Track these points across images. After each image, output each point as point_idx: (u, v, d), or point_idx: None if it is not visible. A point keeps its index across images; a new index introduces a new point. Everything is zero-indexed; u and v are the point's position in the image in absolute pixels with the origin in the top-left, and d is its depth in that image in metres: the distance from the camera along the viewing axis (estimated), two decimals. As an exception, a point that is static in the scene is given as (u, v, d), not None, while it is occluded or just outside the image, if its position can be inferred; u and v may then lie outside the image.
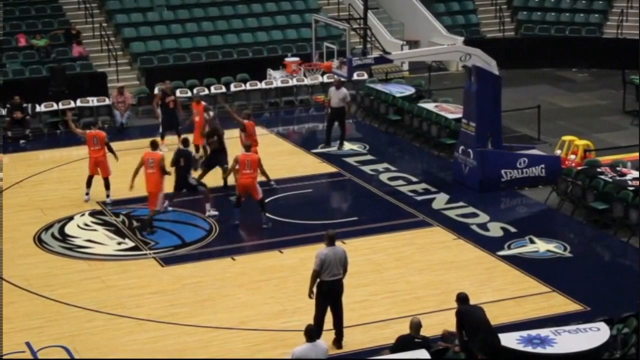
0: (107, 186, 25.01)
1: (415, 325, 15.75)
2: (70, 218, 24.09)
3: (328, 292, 17.29)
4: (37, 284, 20.38)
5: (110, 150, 25.37)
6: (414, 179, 26.69)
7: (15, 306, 19.32)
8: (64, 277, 20.79)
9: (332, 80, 34.74)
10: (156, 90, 32.40)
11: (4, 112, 31.60)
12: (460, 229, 23.07)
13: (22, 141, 30.85)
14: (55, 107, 32.45)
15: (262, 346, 17.77)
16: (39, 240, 22.78)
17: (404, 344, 15.67)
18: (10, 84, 33.17)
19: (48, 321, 18.78)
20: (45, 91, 32.87)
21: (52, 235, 23.10)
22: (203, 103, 28.25)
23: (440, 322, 17.91)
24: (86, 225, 23.59)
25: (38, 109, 32.14)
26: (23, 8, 37.54)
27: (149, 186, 23.30)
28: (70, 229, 23.50)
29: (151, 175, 23.15)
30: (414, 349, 15.47)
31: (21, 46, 35.90)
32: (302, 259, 21.09)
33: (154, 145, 23.77)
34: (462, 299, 15.83)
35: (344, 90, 29.37)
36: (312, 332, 15.20)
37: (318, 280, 17.28)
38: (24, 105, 31.57)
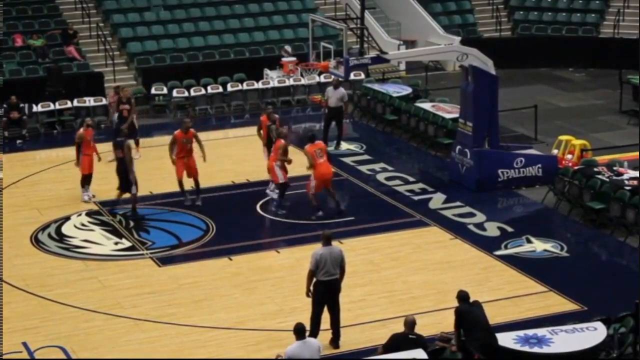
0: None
1: (410, 323, 15.72)
2: (67, 218, 24.07)
3: (324, 292, 17.29)
4: (34, 284, 20.37)
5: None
6: (411, 179, 26.70)
7: (12, 306, 19.32)
8: (60, 277, 20.78)
9: (329, 80, 34.79)
10: (112, 93, 32.34)
11: (0, 112, 31.59)
12: (457, 229, 23.07)
13: (18, 141, 30.85)
14: (52, 107, 32.44)
15: (258, 346, 17.77)
16: (35, 241, 22.76)
17: (398, 341, 15.65)
18: (6, 84, 33.13)
19: (45, 321, 18.77)
20: (41, 91, 32.88)
21: (49, 236, 23.09)
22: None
23: (437, 321, 17.97)
24: (83, 225, 23.58)
25: (35, 109, 32.12)
26: (20, 8, 37.49)
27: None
28: (67, 229, 23.49)
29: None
30: (409, 346, 15.45)
31: (18, 46, 35.87)
32: (299, 259, 21.09)
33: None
34: (462, 297, 15.83)
35: (342, 90, 29.38)
36: (301, 330, 15.17)
37: (314, 280, 17.26)
38: (21, 105, 31.55)
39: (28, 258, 21.84)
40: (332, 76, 31.02)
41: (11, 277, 20.69)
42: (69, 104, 32.64)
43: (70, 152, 28.85)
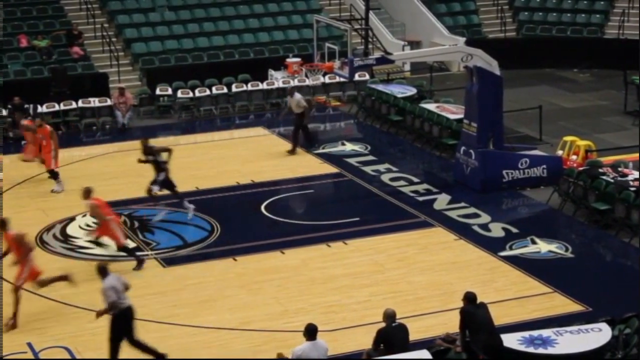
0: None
1: (390, 314, 15.84)
2: (72, 219, 24.09)
3: None
4: (39, 284, 20.35)
5: None
6: (416, 180, 26.69)
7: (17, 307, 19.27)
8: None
9: (334, 80, 34.88)
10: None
11: (5, 112, 31.62)
12: (462, 230, 23.06)
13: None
14: (56, 107, 32.49)
15: (263, 347, 17.75)
16: (40, 241, 22.77)
17: (385, 334, 15.77)
18: (11, 84, 33.18)
19: (50, 322, 18.79)
20: (46, 92, 32.91)
21: (54, 236, 23.11)
22: (48, 127, 27.12)
23: (442, 322, 17.95)
24: (88, 225, 23.56)
25: (39, 109, 32.15)
26: (24, 9, 37.55)
27: None
28: (71, 229, 23.51)
29: None
30: (397, 335, 15.68)
31: (22, 47, 35.90)
32: (304, 260, 21.13)
33: None
34: (468, 298, 15.85)
35: (297, 95, 29.40)
36: (312, 331, 15.21)
37: None
38: (25, 106, 31.59)
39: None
40: (292, 82, 31.23)
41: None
42: (74, 105, 32.66)
43: (74, 152, 29.00)
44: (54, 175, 26.40)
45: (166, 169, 23.73)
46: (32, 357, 17.44)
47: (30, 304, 19.49)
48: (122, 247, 21.33)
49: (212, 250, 22.25)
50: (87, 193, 21.18)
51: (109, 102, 32.99)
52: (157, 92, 34.42)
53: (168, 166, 23.73)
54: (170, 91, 34.37)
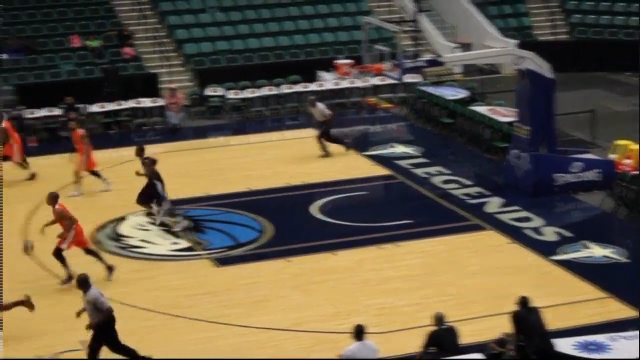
0: None
1: (439, 317, 15.91)
2: (124, 218, 24.23)
3: None
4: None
5: None
6: (467, 182, 26.58)
7: (72, 305, 19.34)
8: (118, 276, 20.86)
9: (384, 82, 34.81)
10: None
11: (58, 112, 31.88)
12: (514, 233, 22.91)
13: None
14: (108, 107, 32.73)
15: (314, 348, 17.73)
16: (94, 240, 22.90)
17: (435, 336, 15.81)
18: (63, 84, 33.49)
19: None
20: (98, 92, 33.17)
21: (107, 235, 23.26)
22: (79, 131, 26.98)
23: (494, 326, 17.75)
24: (140, 225, 23.71)
25: (91, 109, 32.42)
26: (77, 9, 37.85)
27: None
28: (124, 228, 23.67)
29: None
30: (447, 337, 15.73)
31: (75, 47, 36.18)
32: (357, 261, 21.14)
33: None
34: (522, 302, 15.80)
35: (319, 105, 29.41)
36: (361, 332, 15.24)
37: None
38: (77, 105, 31.85)
39: (85, 257, 21.92)
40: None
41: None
42: (126, 105, 32.89)
43: (125, 152, 29.11)
44: (96, 175, 26.55)
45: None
46: (86, 356, 17.49)
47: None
48: (57, 254, 20.40)
49: (264, 250, 22.29)
50: (52, 199, 20.66)
51: (160, 102, 33.17)
52: (207, 92, 34.57)
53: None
54: (221, 92, 34.48)
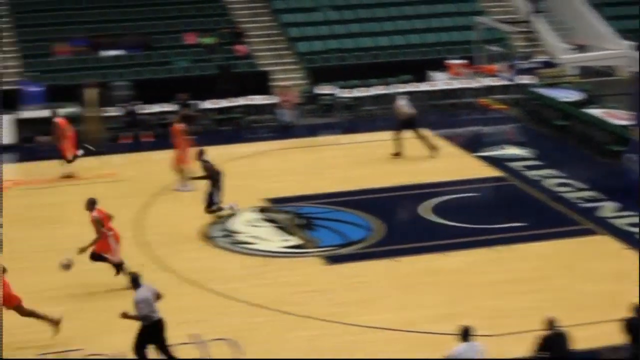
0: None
1: (550, 321, 15.69)
2: (236, 214, 24.38)
3: None
4: (203, 278, 20.68)
5: None
6: (580, 186, 26.14)
7: (183, 298, 19.57)
8: (228, 272, 21.07)
9: (497, 83, 34.48)
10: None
11: (172, 108, 32.29)
12: (630, 239, 22.44)
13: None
14: (221, 104, 33.05)
15: (424, 349, 17.58)
16: (205, 235, 23.12)
17: (547, 340, 15.60)
18: (178, 81, 33.92)
19: (212, 315, 19.01)
20: (211, 88, 33.51)
21: (219, 230, 23.45)
22: (177, 126, 27.26)
23: (608, 332, 17.45)
24: (252, 221, 23.85)
25: (203, 105, 32.77)
26: (192, 7, 38.28)
27: None
28: (236, 224, 23.81)
29: None
30: (558, 342, 15.53)
31: (189, 44, 36.59)
32: (468, 263, 20.97)
33: None
34: (636, 310, 15.46)
35: (400, 101, 29.30)
36: (467, 332, 15.15)
37: None
38: (191, 102, 32.22)
39: (198, 252, 22.24)
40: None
41: (181, 270, 21.08)
42: (238, 102, 33.16)
43: (236, 149, 29.34)
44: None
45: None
46: (196, 348, 17.64)
47: (193, 297, 19.84)
48: (96, 257, 20.23)
49: (374, 249, 22.23)
50: (90, 204, 20.25)
51: (272, 100, 33.36)
52: (318, 90, 34.67)
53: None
54: (333, 90, 34.53)
